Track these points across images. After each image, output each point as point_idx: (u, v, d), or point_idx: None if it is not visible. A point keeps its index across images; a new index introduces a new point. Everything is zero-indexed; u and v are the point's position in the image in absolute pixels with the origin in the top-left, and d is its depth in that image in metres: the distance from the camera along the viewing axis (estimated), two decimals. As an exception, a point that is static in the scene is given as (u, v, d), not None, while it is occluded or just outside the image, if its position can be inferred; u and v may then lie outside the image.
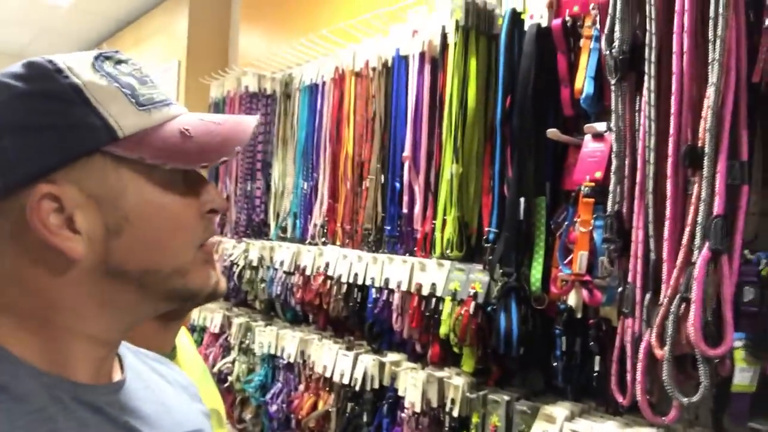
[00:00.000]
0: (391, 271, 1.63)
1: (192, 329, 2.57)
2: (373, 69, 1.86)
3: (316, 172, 2.09)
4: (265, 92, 2.39)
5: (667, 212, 1.06)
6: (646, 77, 1.09)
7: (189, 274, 0.60)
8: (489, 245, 1.34)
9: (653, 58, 1.08)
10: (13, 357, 0.53)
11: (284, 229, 2.26)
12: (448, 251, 1.47)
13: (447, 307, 1.42)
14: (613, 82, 1.14)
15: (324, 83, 2.07)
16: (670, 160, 1.06)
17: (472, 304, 1.36)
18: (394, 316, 1.59)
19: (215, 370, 2.26)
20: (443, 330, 1.42)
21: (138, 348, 0.72)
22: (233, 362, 2.22)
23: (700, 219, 0.99)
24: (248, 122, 0.62)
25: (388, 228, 1.72)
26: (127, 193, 0.56)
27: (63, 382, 0.55)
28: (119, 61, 0.58)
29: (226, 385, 2.23)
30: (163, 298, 0.61)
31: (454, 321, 1.39)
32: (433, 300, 1.48)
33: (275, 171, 2.35)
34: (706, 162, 0.98)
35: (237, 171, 2.48)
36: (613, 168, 1.14)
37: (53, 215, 0.53)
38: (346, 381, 1.75)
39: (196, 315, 2.57)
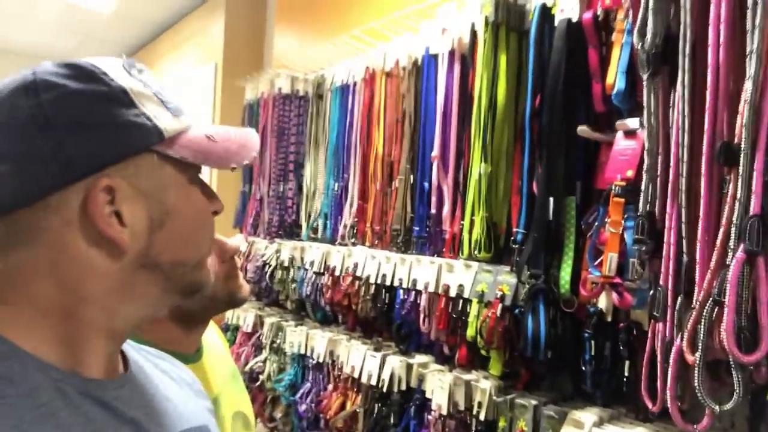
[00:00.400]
0: (418, 272, 1.62)
1: (225, 328, 2.60)
2: (403, 68, 1.85)
3: (346, 173, 2.09)
4: (298, 93, 2.40)
5: (701, 212, 1.02)
6: (679, 71, 1.05)
7: (204, 267, 0.66)
8: (516, 246, 1.31)
9: (687, 51, 1.03)
10: (23, 352, 0.54)
11: (315, 230, 2.26)
12: (476, 252, 1.45)
13: (474, 309, 1.40)
14: (645, 77, 1.10)
15: (355, 83, 2.07)
16: (704, 158, 1.01)
17: (499, 306, 1.34)
18: (422, 317, 1.57)
19: (247, 369, 2.28)
20: (470, 332, 1.40)
21: (140, 345, 0.73)
22: (264, 361, 2.24)
23: (735, 219, 0.94)
24: (254, 134, 0.68)
25: (417, 229, 1.70)
26: (169, 189, 0.60)
27: (71, 377, 0.55)
28: (140, 70, 0.62)
29: (257, 383, 2.25)
30: (180, 291, 0.64)
31: (481, 323, 1.36)
32: (461, 302, 1.46)
33: (307, 172, 2.36)
34: (742, 159, 0.94)
35: (270, 172, 2.50)
36: (645, 166, 1.10)
37: (106, 207, 0.56)
38: (373, 382, 1.74)
39: (230, 314, 2.60)
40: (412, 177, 1.77)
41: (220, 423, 1.09)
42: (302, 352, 2.09)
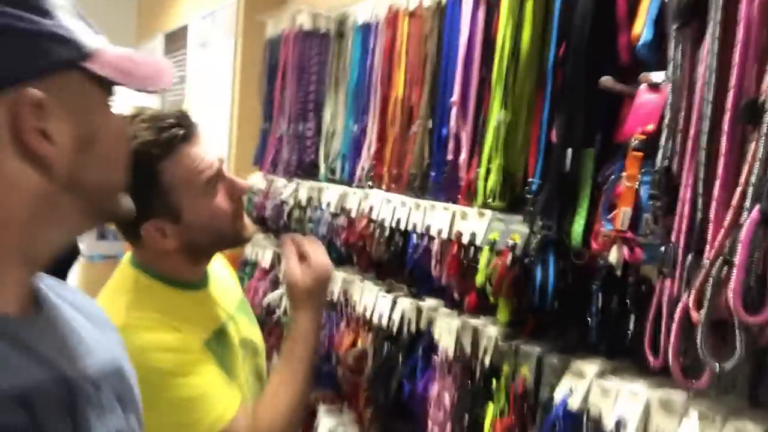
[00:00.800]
0: (432, 217, 1.62)
1: (244, 263, 2.66)
2: (427, 8, 1.80)
3: (365, 114, 2.08)
4: (320, 31, 2.36)
5: (720, 170, 1.00)
6: (710, 24, 1.01)
7: (122, 193, 0.67)
8: (531, 196, 1.31)
9: (721, 3, 0.99)
10: None
11: (333, 171, 2.27)
12: (490, 200, 1.44)
13: (485, 256, 1.41)
14: (674, 28, 1.06)
15: (378, 23, 2.03)
16: (728, 115, 0.99)
17: (510, 255, 1.34)
18: (433, 262, 1.59)
19: (264, 303, 2.34)
20: (479, 279, 1.41)
21: (56, 280, 0.72)
22: (281, 297, 2.29)
23: (753, 179, 0.92)
24: (167, 62, 0.67)
25: (433, 174, 1.70)
26: (93, 108, 0.60)
27: None
28: None
29: (274, 318, 2.31)
30: (99, 216, 0.66)
31: (491, 271, 1.38)
32: (472, 249, 1.47)
33: (327, 112, 2.34)
34: (766, 118, 0.91)
35: (290, 111, 2.49)
36: (666, 121, 1.08)
37: (33, 122, 0.54)
38: (384, 323, 1.78)
39: (249, 250, 2.66)
40: (431, 122, 1.75)
41: (229, 348, 1.14)
42: (317, 290, 2.13)
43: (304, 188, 2.29)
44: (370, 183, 2.00)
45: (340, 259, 2.17)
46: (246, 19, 3.03)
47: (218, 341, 1.11)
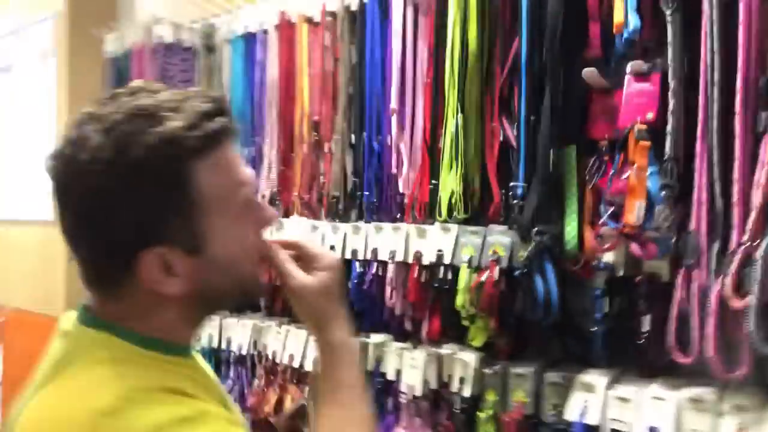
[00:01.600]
0: (379, 241, 1.43)
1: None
2: (331, 15, 1.63)
3: (258, 136, 1.82)
4: (183, 45, 2.05)
5: (737, 152, 0.98)
6: (707, 6, 1.00)
7: None
8: (517, 202, 1.19)
9: (717, -15, 0.99)
10: None
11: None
12: (455, 214, 1.31)
13: (464, 275, 1.26)
14: (668, 12, 1.04)
15: (266, 32, 1.80)
16: (738, 96, 0.98)
17: (496, 269, 1.21)
18: (388, 290, 1.40)
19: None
20: (459, 301, 1.26)
21: None
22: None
23: (788, 156, 0.91)
24: None
25: (367, 194, 1.51)
26: None
27: None
28: None
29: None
30: None
31: (474, 290, 1.23)
32: (441, 269, 1.31)
33: (200, 137, 2.02)
34: (791, 94, 0.91)
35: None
36: (671, 108, 1.04)
37: None
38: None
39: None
40: (352, 136, 1.57)
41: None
42: (214, 345, 1.80)
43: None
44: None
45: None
46: (72, 36, 2.54)
47: None
